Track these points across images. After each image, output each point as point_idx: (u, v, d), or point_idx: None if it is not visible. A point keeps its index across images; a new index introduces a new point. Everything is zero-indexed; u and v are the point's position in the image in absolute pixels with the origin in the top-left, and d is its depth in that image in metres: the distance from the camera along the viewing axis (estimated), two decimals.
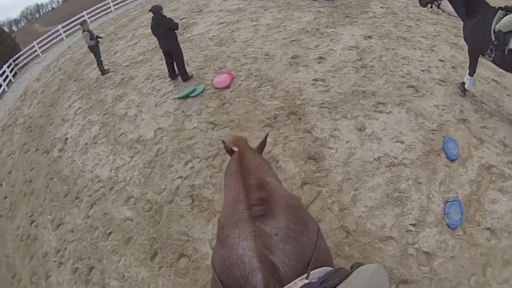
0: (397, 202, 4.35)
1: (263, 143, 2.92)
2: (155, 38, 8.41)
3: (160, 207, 5.20)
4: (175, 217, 4.96)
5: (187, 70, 8.47)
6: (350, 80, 6.72)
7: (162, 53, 8.52)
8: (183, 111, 7.17)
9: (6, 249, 6.49)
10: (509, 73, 5.69)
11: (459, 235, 4.04)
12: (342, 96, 6.29)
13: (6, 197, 7.93)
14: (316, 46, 8.40)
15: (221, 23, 12.12)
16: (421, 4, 6.31)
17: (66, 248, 5.51)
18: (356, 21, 9.87)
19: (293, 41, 8.95)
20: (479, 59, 5.81)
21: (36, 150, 8.93)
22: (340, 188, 4.63)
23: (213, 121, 6.53)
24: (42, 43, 22.85)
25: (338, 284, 1.51)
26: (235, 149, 2.74)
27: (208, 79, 8.11)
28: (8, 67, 20.34)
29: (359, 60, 7.42)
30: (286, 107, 6.27)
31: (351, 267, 1.83)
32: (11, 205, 7.54)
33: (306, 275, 1.62)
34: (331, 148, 5.24)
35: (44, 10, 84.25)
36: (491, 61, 5.49)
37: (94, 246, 5.23)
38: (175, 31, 7.93)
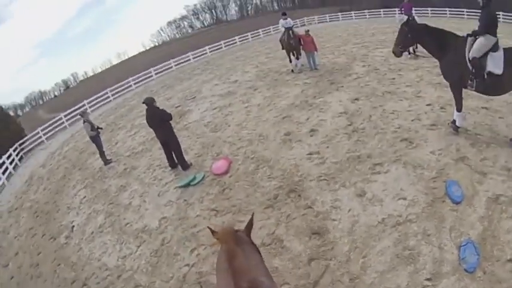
0: (409, 260, 4.23)
1: (250, 225, 2.77)
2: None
3: None
4: None
5: (186, 158, 8.55)
6: (344, 147, 6.85)
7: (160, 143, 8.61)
8: (185, 200, 7.16)
9: None
10: (496, 96, 5.70)
11: (479, 277, 3.87)
12: (338, 165, 6.38)
13: (12, 277, 7.56)
14: (307, 119, 8.66)
15: (214, 108, 12.50)
16: (395, 55, 6.37)
17: None
18: (342, 86, 10.29)
19: (284, 117, 9.25)
20: (464, 91, 5.81)
21: (43, 235, 8.67)
22: (348, 258, 4.53)
23: (215, 208, 6.51)
24: (47, 130, 23.03)
25: None
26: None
27: (207, 166, 8.20)
28: (14, 151, 20.28)
29: (349, 125, 7.60)
30: (285, 186, 6.33)
31: None
32: (17, 286, 7.16)
33: None
34: (334, 220, 5.21)
35: (47, 97, 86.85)
36: (475, 90, 5.49)
37: None
38: (170, 121, 7.99)
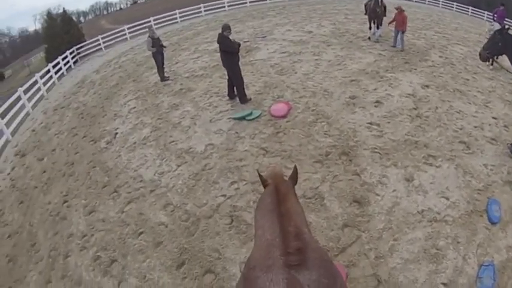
0: (433, 259, 4.27)
1: (295, 176, 2.82)
2: (218, 56, 8.65)
3: (198, 220, 5.24)
4: (210, 233, 4.98)
5: (247, 93, 8.60)
6: (404, 128, 6.74)
7: (224, 71, 8.71)
8: (236, 132, 7.30)
9: (32, 219, 6.58)
10: None
11: None
12: (395, 143, 6.31)
13: (45, 171, 8.10)
14: (375, 89, 8.49)
15: (283, 52, 12.39)
16: (481, 58, 6.31)
17: (93, 235, 5.58)
18: (415, 69, 9.98)
19: (352, 80, 9.08)
20: None
21: (84, 136, 9.20)
22: (380, 236, 4.58)
23: (265, 147, 6.61)
24: (107, 39, 23.87)
25: None
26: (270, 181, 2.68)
27: (266, 105, 8.26)
28: (71, 53, 21.34)
29: (415, 109, 7.46)
30: (339, 146, 6.31)
31: None
32: (48, 180, 7.68)
33: None
34: (377, 194, 5.22)
35: (112, 9, 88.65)
36: None
37: (122, 241, 5.27)
38: (237, 54, 8.05)
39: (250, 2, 29.24)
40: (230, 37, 8.01)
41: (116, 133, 8.73)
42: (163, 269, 4.65)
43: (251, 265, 2.04)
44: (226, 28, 7.84)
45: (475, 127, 6.84)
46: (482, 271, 4.13)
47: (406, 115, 7.21)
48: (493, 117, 7.23)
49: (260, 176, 2.75)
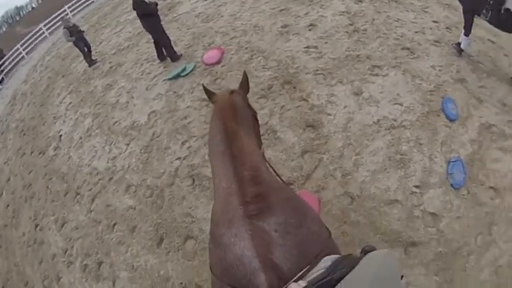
0: (400, 164, 4.35)
1: (245, 84, 2.54)
2: (140, 22, 8.41)
3: (162, 191, 5.22)
4: (177, 200, 4.97)
5: (176, 50, 8.44)
6: (343, 45, 6.62)
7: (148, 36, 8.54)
8: (175, 92, 7.15)
9: (15, 258, 6.54)
10: (505, 32, 5.65)
11: (463, 195, 4.07)
12: (336, 61, 6.22)
13: (8, 205, 7.97)
14: (306, 14, 8.26)
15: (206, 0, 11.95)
16: None
17: (73, 247, 5.57)
18: None
19: (282, 10, 8.81)
20: (474, 19, 5.76)
21: (32, 152, 8.94)
22: (342, 154, 4.62)
23: (207, 98, 6.43)
24: (26, 44, 22.73)
25: (345, 275, 1.43)
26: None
27: (198, 56, 8.06)
28: None
29: (351, 24, 7.30)
30: (280, 77, 6.21)
31: (362, 251, 1.72)
32: (13, 212, 7.58)
33: (308, 267, 1.53)
34: (329, 114, 5.20)
35: (23, 11, 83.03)
36: (487, 21, 5.48)
37: (100, 240, 5.27)
38: (156, 14, 7.90)
39: None
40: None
41: (60, 135, 8.46)
42: (146, 252, 4.69)
43: (214, 221, 1.91)
44: None
45: (416, 32, 6.77)
46: (451, 167, 4.26)
47: (343, 32, 7.06)
48: (434, 21, 7.17)
49: (206, 90, 2.57)
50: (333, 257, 1.60)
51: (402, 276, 2.30)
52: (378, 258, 1.49)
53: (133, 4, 7.80)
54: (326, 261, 1.55)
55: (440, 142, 4.55)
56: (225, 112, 2.25)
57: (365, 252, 1.57)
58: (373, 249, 1.78)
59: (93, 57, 11.38)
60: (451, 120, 4.84)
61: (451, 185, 4.13)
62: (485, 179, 4.20)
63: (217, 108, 2.36)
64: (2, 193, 8.60)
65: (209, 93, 2.56)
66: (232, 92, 2.48)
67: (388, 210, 3.98)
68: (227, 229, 1.72)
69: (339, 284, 1.39)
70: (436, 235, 3.76)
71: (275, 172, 2.45)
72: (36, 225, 6.61)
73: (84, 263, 5.17)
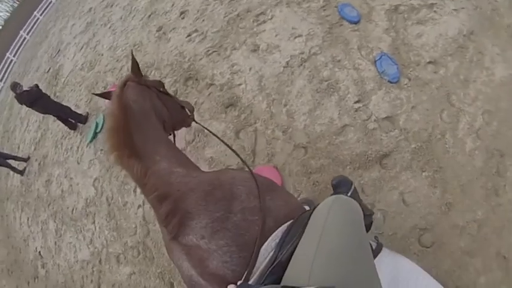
0: (330, 91, 4.35)
1: (135, 68, 2.23)
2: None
3: (144, 244, 5.24)
4: (161, 243, 4.98)
5: (80, 112, 8.45)
6: (220, 14, 6.56)
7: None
8: (101, 150, 7.16)
9: None
10: None
11: (406, 84, 4.11)
12: (221, 32, 6.18)
13: None
14: (172, 5, 8.18)
15: (81, 48, 11.74)
16: None
17: None
18: None
19: (150, 15, 8.70)
20: None
21: (28, 282, 8.57)
22: (271, 113, 4.62)
23: None
24: None
25: (296, 245, 1.43)
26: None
27: (102, 105, 8.06)
28: None
29: None
30: (179, 77, 6.19)
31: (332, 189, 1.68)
32: None
33: (250, 262, 1.46)
34: (239, 84, 5.20)
35: None
36: None
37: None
38: (41, 95, 7.99)
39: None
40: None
41: (39, 252, 8.24)
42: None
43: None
44: (14, 85, 7.74)
45: None
46: (380, 65, 4.27)
47: (214, 2, 6.98)
48: None
49: (100, 96, 2.36)
50: (280, 230, 1.55)
51: (352, 184, 2.39)
52: (324, 209, 1.49)
53: (17, 100, 7.85)
54: (271, 241, 1.50)
55: (357, 48, 4.55)
56: (116, 109, 1.92)
57: (311, 210, 1.60)
58: (339, 179, 1.77)
59: (18, 165, 11.03)
60: (356, 23, 4.83)
61: (389, 81, 4.15)
62: (418, 58, 4.26)
63: (109, 117, 1.96)
64: None
65: (104, 97, 2.35)
66: (125, 83, 2.12)
67: (343, 139, 4.01)
68: (173, 256, 1.66)
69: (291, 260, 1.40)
70: (401, 135, 3.81)
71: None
72: None
73: None
